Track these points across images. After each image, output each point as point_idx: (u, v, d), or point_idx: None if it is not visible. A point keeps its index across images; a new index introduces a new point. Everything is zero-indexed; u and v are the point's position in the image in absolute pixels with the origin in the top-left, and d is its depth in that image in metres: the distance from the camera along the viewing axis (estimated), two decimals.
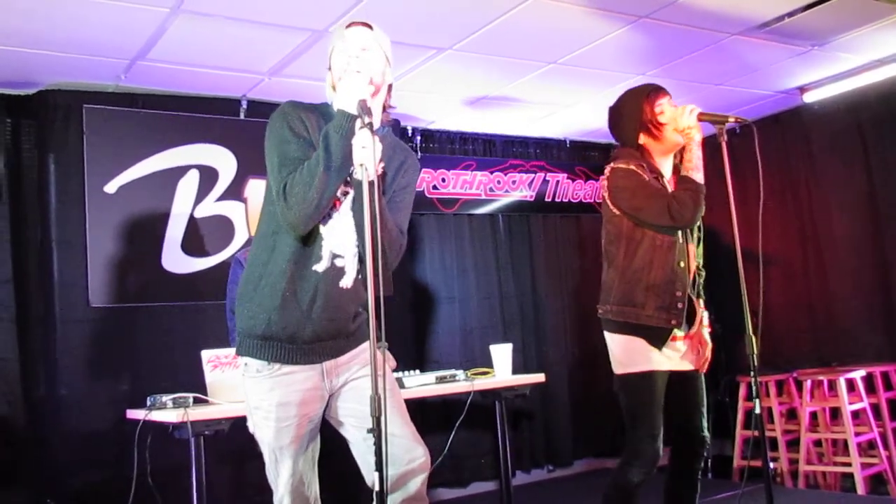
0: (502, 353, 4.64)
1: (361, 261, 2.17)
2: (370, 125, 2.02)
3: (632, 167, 2.94)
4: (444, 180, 6.06)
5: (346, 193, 2.15)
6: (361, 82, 2.07)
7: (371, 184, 1.99)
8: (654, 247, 2.91)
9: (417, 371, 4.55)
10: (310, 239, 2.14)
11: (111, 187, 4.76)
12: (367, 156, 2.00)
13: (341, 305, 2.17)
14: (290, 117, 2.15)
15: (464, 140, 6.34)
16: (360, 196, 2.01)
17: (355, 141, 2.03)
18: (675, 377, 2.95)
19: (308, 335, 2.15)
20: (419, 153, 6.08)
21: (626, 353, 2.90)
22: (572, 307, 6.27)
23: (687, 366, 2.96)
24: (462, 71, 4.90)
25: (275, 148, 2.15)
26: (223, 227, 5.06)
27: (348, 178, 2.13)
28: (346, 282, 2.17)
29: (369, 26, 2.20)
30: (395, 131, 5.84)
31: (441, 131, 6.25)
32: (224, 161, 5.15)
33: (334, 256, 2.17)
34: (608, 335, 2.97)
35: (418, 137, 6.11)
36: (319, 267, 2.15)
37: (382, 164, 2.17)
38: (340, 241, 2.16)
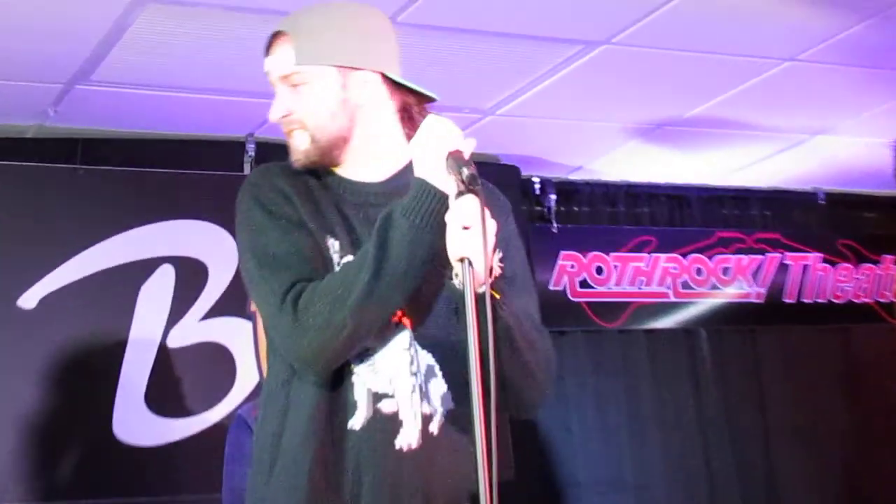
0: None
1: (451, 400, 2.26)
2: (472, 180, 2.06)
3: None
4: (600, 271, 6.09)
5: None
6: (450, 124, 2.17)
7: (489, 298, 2.01)
8: None
9: None
10: (332, 376, 2.24)
11: (28, 299, 4.83)
12: (471, 244, 2.05)
13: (403, 484, 2.22)
14: (260, 190, 2.31)
15: (633, 198, 6.27)
16: (464, 311, 2.03)
17: (452, 219, 2.08)
18: None
19: None
20: (554, 223, 6.07)
21: None
22: (844, 494, 6.23)
23: None
24: (628, 78, 4.98)
25: (247, 247, 2.28)
26: (217, 363, 5.10)
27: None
28: (407, 439, 2.23)
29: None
30: (513, 185, 5.83)
31: (592, 184, 6.20)
32: (217, 248, 5.15)
33: (377, 398, 2.24)
34: None
35: (552, 196, 6.11)
36: (356, 421, 2.23)
37: (500, 254, 2.22)
38: (384, 367, 2.25)
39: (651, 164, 6.05)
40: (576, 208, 6.19)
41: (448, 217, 2.08)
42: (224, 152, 5.23)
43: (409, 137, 2.30)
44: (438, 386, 2.26)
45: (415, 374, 2.24)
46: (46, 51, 4.26)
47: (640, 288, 6.12)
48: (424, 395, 2.24)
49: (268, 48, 2.33)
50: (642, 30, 4.48)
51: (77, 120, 4.91)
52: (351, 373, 2.23)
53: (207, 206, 5.17)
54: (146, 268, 5.05)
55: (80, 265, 4.93)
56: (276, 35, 2.32)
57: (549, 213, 6.08)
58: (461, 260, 2.03)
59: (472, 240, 2.04)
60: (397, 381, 2.23)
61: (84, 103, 4.73)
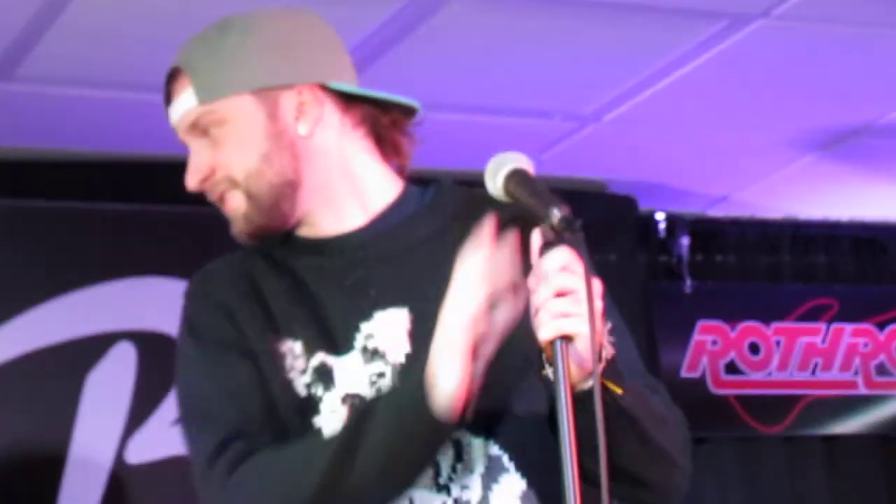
0: None
1: None
2: (569, 224, 2.09)
3: None
4: (754, 349, 6.14)
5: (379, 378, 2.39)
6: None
7: (593, 399, 2.02)
8: None
9: None
10: None
11: None
12: (571, 318, 2.07)
13: None
14: (192, 305, 2.49)
15: (803, 242, 6.31)
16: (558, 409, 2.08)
17: (540, 283, 2.10)
18: None
19: None
20: (688, 279, 6.07)
21: None
22: None
23: None
24: (794, 68, 5.02)
25: (177, 386, 2.44)
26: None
27: None
28: None
29: None
30: (626, 223, 5.87)
31: (743, 223, 6.28)
32: None
33: None
34: None
35: (684, 240, 6.13)
36: None
37: (609, 324, 2.26)
38: None
39: (830, 194, 6.11)
40: (719, 258, 6.22)
41: (533, 280, 2.10)
42: None
43: (389, 162, 2.43)
44: (511, 485, 2.31)
45: (445, 487, 2.30)
46: None
47: (814, 375, 6.10)
48: None
49: (167, 96, 2.44)
50: None
51: None
52: None
53: (183, 258, 5.06)
54: (95, 348, 5.07)
55: None
56: (170, 77, 2.42)
57: (679, 264, 6.10)
58: (551, 342, 2.04)
59: (571, 311, 2.05)
60: (419, 501, 2.30)
61: (4, 111, 4.77)
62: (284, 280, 2.41)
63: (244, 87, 2.38)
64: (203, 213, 5.07)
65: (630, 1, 4.44)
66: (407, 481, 2.28)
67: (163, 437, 5.00)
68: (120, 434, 5.03)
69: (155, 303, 5.10)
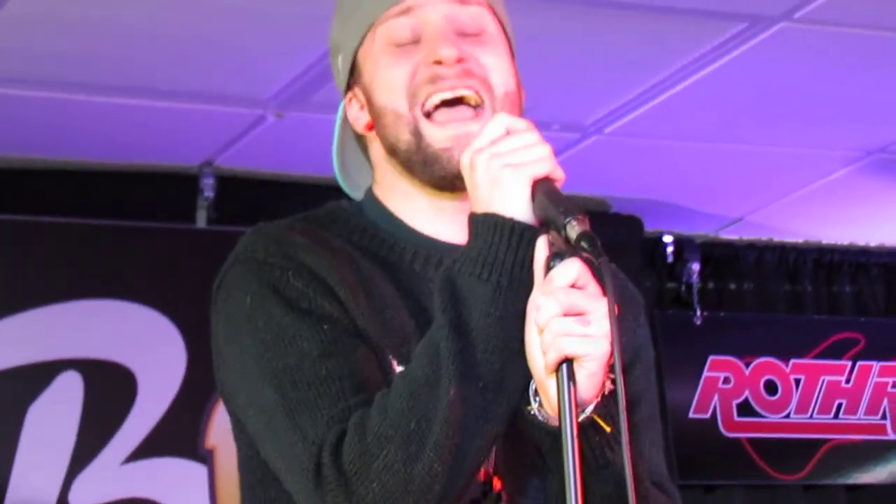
0: None
1: None
2: (589, 241, 2.05)
3: None
4: (771, 389, 6.14)
5: None
6: (532, 131, 2.20)
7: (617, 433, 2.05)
8: None
9: None
10: None
11: None
12: (581, 340, 2.04)
13: None
14: (275, 271, 2.30)
15: (827, 270, 6.28)
16: (558, 453, 2.04)
17: (542, 303, 2.07)
18: None
19: None
20: (698, 309, 6.08)
21: None
22: None
23: None
24: (819, 75, 5.03)
25: (258, 365, 2.24)
26: None
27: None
28: None
29: None
30: (632, 246, 5.89)
31: (760, 247, 6.26)
32: (153, 347, 5.18)
33: None
34: None
35: (694, 265, 6.15)
36: None
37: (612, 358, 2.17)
38: None
39: (858, 216, 6.08)
40: (732, 285, 6.24)
41: (537, 297, 2.07)
42: (164, 192, 5.25)
43: None
44: None
45: None
46: None
47: (837, 418, 6.11)
48: None
49: None
50: None
51: None
52: None
53: (138, 280, 5.16)
54: (37, 378, 5.08)
55: None
56: None
57: (689, 292, 6.13)
58: (555, 369, 2.02)
59: (575, 331, 2.03)
60: None
61: None
62: (386, 272, 2.33)
63: (506, 27, 2.42)
64: (165, 231, 5.14)
65: (647, 3, 4.43)
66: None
67: (111, 478, 5.06)
68: (64, 474, 5.02)
69: (105, 328, 5.13)
